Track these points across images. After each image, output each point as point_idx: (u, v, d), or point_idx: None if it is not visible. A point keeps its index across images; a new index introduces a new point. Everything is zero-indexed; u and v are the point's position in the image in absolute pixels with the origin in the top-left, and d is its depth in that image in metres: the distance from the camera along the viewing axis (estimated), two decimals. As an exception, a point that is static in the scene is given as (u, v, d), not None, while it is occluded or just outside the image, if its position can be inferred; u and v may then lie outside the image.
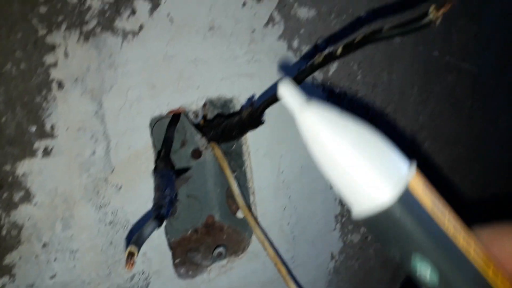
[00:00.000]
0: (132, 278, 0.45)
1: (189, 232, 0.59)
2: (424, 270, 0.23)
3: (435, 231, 0.23)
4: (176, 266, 0.51)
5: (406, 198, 0.22)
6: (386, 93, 0.64)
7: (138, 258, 0.46)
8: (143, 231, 0.31)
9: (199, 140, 0.57)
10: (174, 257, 0.52)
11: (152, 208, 0.36)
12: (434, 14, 0.23)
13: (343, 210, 0.64)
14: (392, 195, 0.22)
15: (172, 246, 0.57)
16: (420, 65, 0.68)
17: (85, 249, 0.42)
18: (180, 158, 0.56)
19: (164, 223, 0.48)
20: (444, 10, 0.23)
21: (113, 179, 0.42)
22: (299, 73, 0.37)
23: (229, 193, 0.59)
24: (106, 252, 0.43)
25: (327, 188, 0.61)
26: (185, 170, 0.51)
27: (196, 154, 0.57)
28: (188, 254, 0.55)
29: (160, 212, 0.34)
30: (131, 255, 0.29)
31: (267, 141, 0.53)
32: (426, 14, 0.24)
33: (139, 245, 0.30)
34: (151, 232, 0.32)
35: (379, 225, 0.23)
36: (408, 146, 0.69)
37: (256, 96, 0.51)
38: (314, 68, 0.36)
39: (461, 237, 0.23)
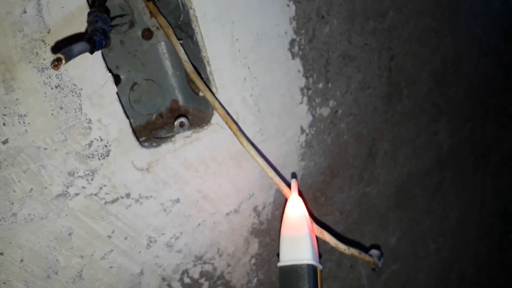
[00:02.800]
0: (90, 144, 0.46)
1: (154, 116, 0.59)
2: None
3: None
4: (140, 142, 0.51)
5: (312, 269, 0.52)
6: (340, -44, 0.62)
7: (94, 125, 0.46)
8: (73, 46, 0.31)
9: (149, 20, 0.56)
10: (139, 137, 0.52)
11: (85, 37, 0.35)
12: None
13: (308, 83, 0.63)
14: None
15: (138, 129, 0.57)
16: None
17: (34, 113, 0.42)
18: (130, 40, 0.55)
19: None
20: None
21: (51, 40, 0.41)
22: None
23: (189, 77, 0.59)
24: (58, 117, 0.43)
25: (288, 59, 0.60)
26: (121, 15, 0.50)
27: (147, 34, 0.56)
28: (152, 132, 0.56)
29: (91, 37, 0.33)
30: (58, 59, 0.28)
31: (214, 3, 0.51)
32: None
33: (67, 56, 0.29)
34: (81, 51, 0.32)
35: (289, 274, 0.52)
36: (371, 15, 0.68)
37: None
38: None
39: None
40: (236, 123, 0.56)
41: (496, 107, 1.05)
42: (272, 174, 0.52)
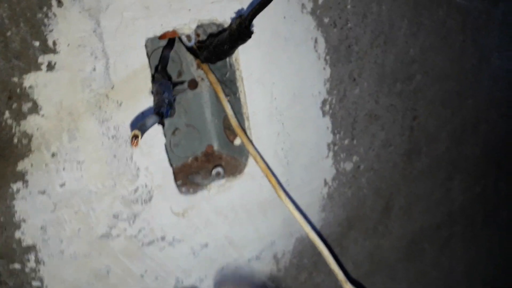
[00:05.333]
0: (136, 190, 0.49)
1: (190, 159, 0.63)
2: None
3: None
4: (178, 186, 0.55)
5: None
6: (376, 24, 0.66)
7: (141, 172, 0.49)
8: (146, 121, 0.35)
9: (195, 71, 0.60)
10: (176, 179, 0.56)
11: (153, 108, 0.39)
12: None
13: (335, 139, 0.67)
14: None
15: (175, 171, 0.61)
16: (410, -3, 0.69)
17: (90, 160, 0.45)
18: (177, 88, 0.59)
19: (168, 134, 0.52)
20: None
21: (113, 95, 0.45)
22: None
23: (226, 124, 0.62)
24: (111, 164, 0.47)
25: (319, 116, 0.64)
26: (181, 82, 0.54)
27: (193, 84, 0.60)
28: (189, 177, 0.59)
29: (160, 110, 0.37)
30: (135, 137, 0.32)
31: (259, 67, 0.56)
32: None
33: (142, 131, 0.33)
34: (153, 124, 0.36)
35: None
36: (399, 78, 0.72)
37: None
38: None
39: None
40: (276, 177, 0.59)
41: (509, 166, 1.07)
42: (307, 229, 0.56)
